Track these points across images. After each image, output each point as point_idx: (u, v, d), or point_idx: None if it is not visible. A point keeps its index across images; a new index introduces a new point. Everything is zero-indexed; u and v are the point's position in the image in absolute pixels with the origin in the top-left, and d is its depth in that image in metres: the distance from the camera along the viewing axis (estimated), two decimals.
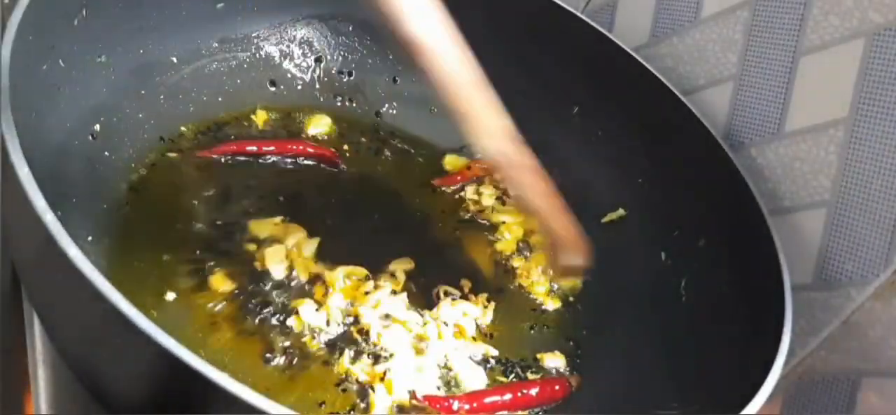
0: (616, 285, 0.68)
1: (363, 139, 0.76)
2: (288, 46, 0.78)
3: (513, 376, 0.59)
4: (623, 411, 0.58)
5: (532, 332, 0.64)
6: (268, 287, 0.58)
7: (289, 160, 0.70)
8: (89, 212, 0.57)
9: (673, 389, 0.58)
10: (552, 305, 0.67)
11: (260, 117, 0.73)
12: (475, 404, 0.55)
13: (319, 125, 0.76)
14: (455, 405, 0.55)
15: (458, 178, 0.75)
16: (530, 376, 0.60)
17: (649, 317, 0.65)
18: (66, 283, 0.39)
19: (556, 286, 0.68)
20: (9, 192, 0.42)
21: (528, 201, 0.57)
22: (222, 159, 0.67)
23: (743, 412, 0.46)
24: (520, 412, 0.57)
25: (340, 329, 0.57)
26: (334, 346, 0.56)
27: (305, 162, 0.71)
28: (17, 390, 0.52)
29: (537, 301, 0.67)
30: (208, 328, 0.54)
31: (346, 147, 0.75)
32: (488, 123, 0.53)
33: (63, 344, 0.46)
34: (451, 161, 0.77)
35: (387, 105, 0.80)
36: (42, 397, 0.51)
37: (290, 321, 0.56)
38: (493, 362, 0.60)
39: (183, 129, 0.68)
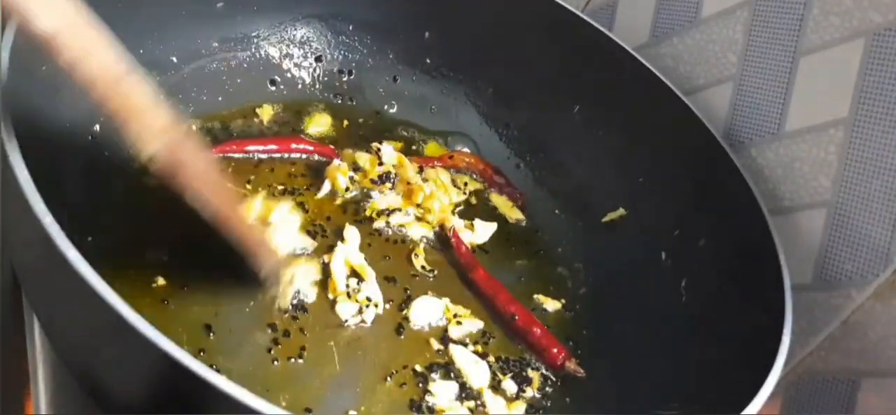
0: (616, 285, 0.68)
1: (363, 138, 0.76)
2: (288, 46, 0.78)
3: (510, 375, 0.59)
4: (623, 411, 0.58)
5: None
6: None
7: (289, 157, 0.71)
8: (89, 213, 0.57)
9: (673, 389, 0.58)
10: (552, 305, 0.67)
11: (265, 112, 0.74)
12: None
13: (320, 124, 0.76)
14: None
15: (435, 161, 0.76)
16: (530, 372, 0.60)
17: (649, 317, 0.65)
18: (65, 284, 0.39)
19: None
20: (8, 194, 0.42)
21: (211, 208, 0.49)
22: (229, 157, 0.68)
23: (743, 412, 0.46)
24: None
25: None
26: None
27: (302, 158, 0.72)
28: (17, 391, 0.52)
29: (537, 300, 0.67)
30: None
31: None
32: (150, 121, 0.46)
33: (62, 345, 0.46)
34: (431, 148, 0.78)
35: (387, 104, 0.80)
36: (42, 398, 0.51)
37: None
38: (491, 359, 0.60)
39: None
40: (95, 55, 0.43)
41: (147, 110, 0.46)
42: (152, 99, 0.46)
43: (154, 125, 0.46)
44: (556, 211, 0.75)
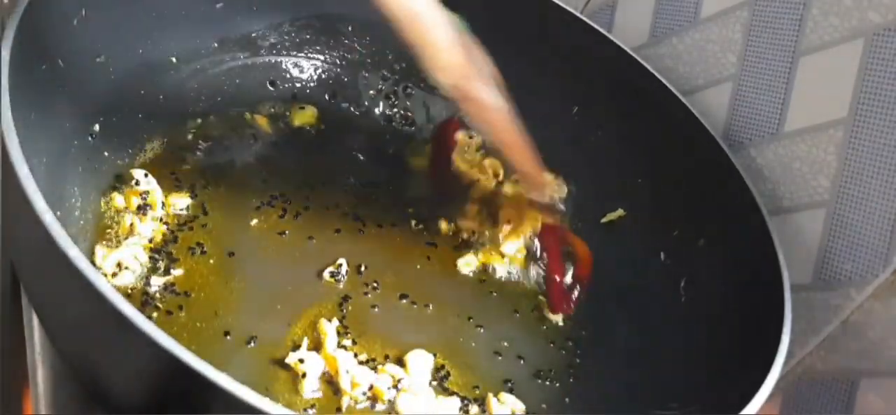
0: (616, 285, 0.68)
1: (363, 138, 0.76)
2: (287, 46, 0.78)
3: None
4: (623, 411, 0.58)
5: (528, 329, 0.64)
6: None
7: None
8: (89, 212, 0.57)
9: (673, 389, 0.58)
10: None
11: (261, 122, 0.74)
12: None
13: (304, 118, 0.75)
14: None
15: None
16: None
17: (649, 317, 0.65)
18: (66, 283, 0.39)
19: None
20: (9, 192, 0.42)
21: (491, 139, 0.57)
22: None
23: (742, 412, 0.46)
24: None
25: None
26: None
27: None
28: (17, 390, 0.52)
29: (537, 300, 0.67)
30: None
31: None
32: (443, 54, 0.52)
33: (63, 344, 0.46)
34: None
35: (387, 105, 0.80)
36: (41, 397, 0.51)
37: None
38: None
39: (182, 128, 0.68)
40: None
41: (442, 46, 0.51)
42: (449, 36, 0.51)
43: (448, 61, 0.52)
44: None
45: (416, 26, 0.50)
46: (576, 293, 0.67)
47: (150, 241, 0.58)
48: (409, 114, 0.80)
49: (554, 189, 0.62)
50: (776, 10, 0.65)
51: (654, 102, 0.71)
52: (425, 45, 0.51)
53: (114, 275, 0.55)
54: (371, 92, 0.80)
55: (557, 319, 0.66)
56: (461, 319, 0.63)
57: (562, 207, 0.65)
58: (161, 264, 0.57)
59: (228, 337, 0.54)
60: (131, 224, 0.58)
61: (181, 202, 0.62)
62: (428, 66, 0.51)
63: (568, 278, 0.68)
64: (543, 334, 0.64)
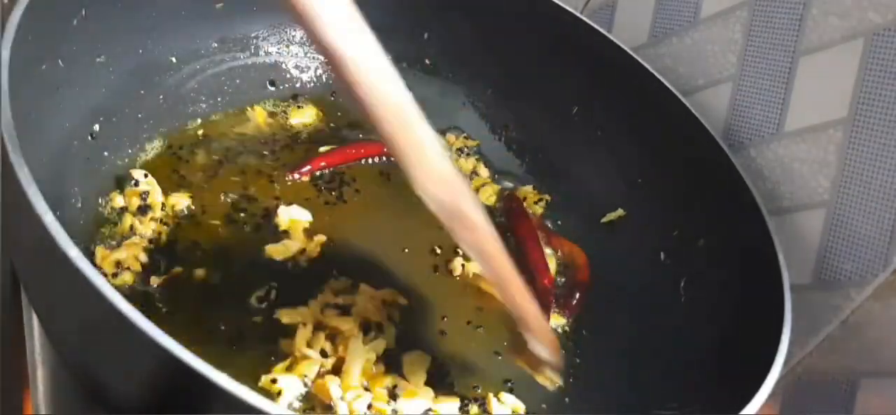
0: (616, 285, 0.68)
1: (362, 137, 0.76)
2: (287, 47, 0.78)
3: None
4: (623, 412, 0.58)
5: None
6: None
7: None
8: (89, 212, 0.57)
9: (673, 389, 0.58)
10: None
11: (259, 115, 0.73)
12: None
13: (303, 116, 0.75)
14: None
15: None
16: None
17: (649, 317, 0.65)
18: (66, 283, 0.39)
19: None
20: (9, 192, 0.42)
21: (482, 266, 0.48)
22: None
23: (742, 412, 0.46)
24: None
25: None
26: None
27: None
28: (17, 390, 0.52)
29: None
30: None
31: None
32: (430, 165, 0.44)
33: (63, 344, 0.46)
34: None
35: None
36: (41, 397, 0.51)
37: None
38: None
39: (182, 129, 0.68)
40: (379, 76, 0.43)
41: (435, 158, 0.44)
42: (440, 148, 0.44)
43: (441, 173, 0.44)
44: (556, 211, 0.75)
45: (407, 135, 0.43)
46: (576, 298, 0.67)
47: (150, 241, 0.58)
48: None
49: (549, 346, 0.54)
50: (776, 10, 0.65)
51: (654, 102, 0.71)
52: (416, 154, 0.43)
53: (114, 275, 0.55)
54: None
55: (557, 319, 0.66)
56: (461, 319, 0.63)
57: (557, 371, 0.57)
58: (161, 264, 0.57)
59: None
60: (131, 224, 0.58)
61: (181, 202, 0.62)
62: (418, 176, 0.43)
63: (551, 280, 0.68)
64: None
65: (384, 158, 0.73)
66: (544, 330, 0.54)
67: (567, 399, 0.60)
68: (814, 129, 0.63)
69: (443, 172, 0.44)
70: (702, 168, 0.67)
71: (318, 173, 0.70)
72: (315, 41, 0.40)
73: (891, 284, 0.58)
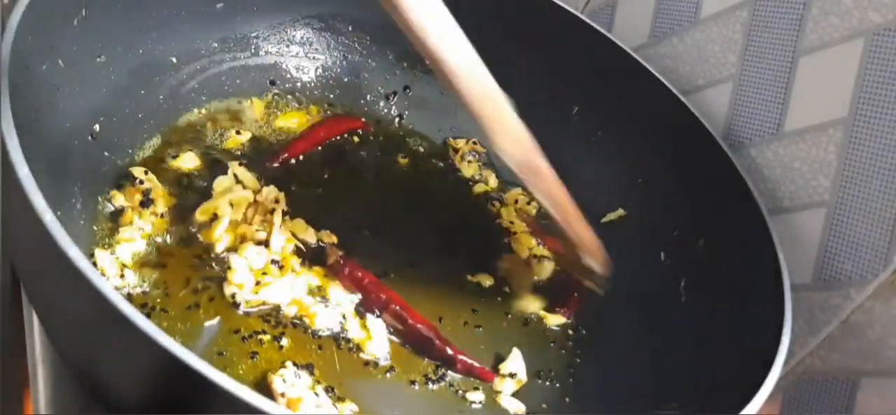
0: (616, 285, 0.68)
1: (362, 137, 0.77)
2: (287, 46, 0.78)
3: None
4: (623, 411, 0.58)
5: (527, 327, 0.64)
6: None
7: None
8: (89, 212, 0.57)
9: (673, 389, 0.58)
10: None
11: (257, 108, 0.73)
12: None
13: (290, 120, 0.75)
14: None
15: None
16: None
17: (649, 317, 0.65)
18: (66, 283, 0.39)
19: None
20: (9, 192, 0.42)
21: (549, 207, 0.59)
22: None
23: (743, 412, 0.46)
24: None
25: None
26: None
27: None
28: (17, 390, 0.52)
29: (536, 301, 0.67)
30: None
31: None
32: (508, 129, 0.55)
33: (63, 344, 0.46)
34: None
35: (386, 105, 0.80)
36: (42, 397, 0.51)
37: None
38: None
39: (183, 129, 0.68)
40: (468, 66, 0.53)
41: (512, 123, 0.55)
42: (513, 113, 0.55)
43: (511, 132, 0.55)
44: None
45: (488, 104, 0.53)
46: (574, 297, 0.67)
47: (151, 239, 0.58)
48: (410, 113, 0.80)
49: (600, 262, 0.64)
50: (776, 10, 0.65)
51: (655, 102, 0.71)
52: (497, 122, 0.54)
53: (114, 275, 0.55)
54: (372, 92, 0.80)
55: (558, 319, 0.66)
56: (460, 320, 0.63)
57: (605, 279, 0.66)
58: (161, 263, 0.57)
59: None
60: (131, 222, 0.58)
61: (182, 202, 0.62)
62: (498, 141, 0.54)
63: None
64: (543, 335, 0.64)
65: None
66: (597, 248, 0.64)
67: (567, 399, 0.60)
68: (814, 129, 0.63)
69: (519, 134, 0.56)
70: (702, 168, 0.67)
71: (295, 159, 0.71)
72: (420, 47, 0.51)
73: (891, 283, 0.58)
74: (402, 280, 0.63)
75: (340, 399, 0.53)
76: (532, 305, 0.66)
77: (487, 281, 0.66)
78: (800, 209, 0.64)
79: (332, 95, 0.78)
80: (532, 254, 0.70)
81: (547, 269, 0.69)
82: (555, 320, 0.65)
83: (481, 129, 0.54)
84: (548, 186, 0.59)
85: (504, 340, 0.62)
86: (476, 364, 0.58)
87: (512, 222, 0.73)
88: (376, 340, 0.57)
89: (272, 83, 0.76)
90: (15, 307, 0.54)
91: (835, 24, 0.61)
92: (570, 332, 0.65)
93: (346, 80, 0.80)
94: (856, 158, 0.60)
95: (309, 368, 0.53)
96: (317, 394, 0.51)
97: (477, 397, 0.57)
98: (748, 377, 0.49)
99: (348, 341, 0.57)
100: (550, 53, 0.76)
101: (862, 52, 0.59)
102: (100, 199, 0.59)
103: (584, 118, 0.76)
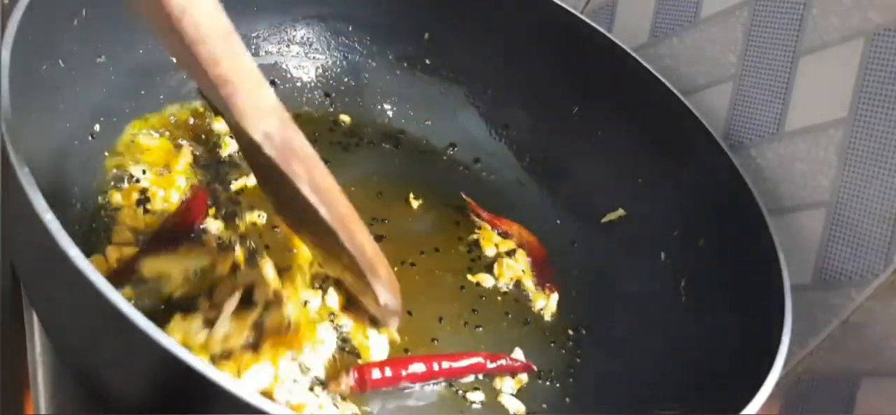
0: (616, 285, 0.68)
1: (362, 138, 0.76)
2: (288, 47, 0.78)
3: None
4: (623, 412, 0.58)
5: (527, 327, 0.64)
6: None
7: None
8: (89, 212, 0.57)
9: (673, 389, 0.58)
10: (551, 306, 0.67)
11: None
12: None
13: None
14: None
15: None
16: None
17: (649, 317, 0.65)
18: (66, 283, 0.39)
19: None
20: (9, 192, 0.42)
21: (320, 207, 0.43)
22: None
23: (743, 412, 0.46)
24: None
25: None
26: None
27: None
28: (17, 390, 0.52)
29: (536, 300, 0.67)
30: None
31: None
32: (254, 92, 0.40)
33: (63, 344, 0.46)
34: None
35: (386, 105, 0.80)
36: (42, 397, 0.51)
37: None
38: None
39: (182, 129, 0.68)
40: (214, 19, 0.38)
41: (257, 81, 0.40)
42: (255, 68, 0.40)
43: (266, 100, 0.40)
44: (556, 211, 0.75)
45: (217, 53, 0.38)
46: (548, 273, 0.68)
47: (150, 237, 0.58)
48: (410, 113, 0.80)
49: (397, 296, 0.50)
50: (776, 10, 0.65)
51: (655, 102, 0.71)
52: (243, 85, 0.39)
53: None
54: (372, 92, 0.80)
55: (558, 319, 0.66)
56: (460, 320, 0.63)
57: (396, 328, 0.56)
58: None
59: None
60: (131, 223, 0.58)
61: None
62: (244, 110, 0.39)
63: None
64: (543, 334, 0.64)
65: None
66: (390, 274, 0.50)
67: (567, 399, 0.60)
68: (814, 129, 0.63)
69: (273, 104, 0.41)
70: (702, 168, 0.67)
71: None
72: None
73: (891, 283, 0.58)
74: (402, 280, 0.63)
75: (340, 399, 0.53)
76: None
77: (487, 281, 0.66)
78: (800, 209, 0.64)
79: (332, 95, 0.79)
80: (499, 253, 0.69)
81: (521, 259, 0.69)
82: (554, 319, 0.65)
83: (224, 100, 0.39)
84: (313, 175, 0.43)
85: (504, 340, 0.62)
86: (515, 364, 0.59)
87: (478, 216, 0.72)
88: (375, 347, 0.56)
89: (272, 83, 0.76)
90: (15, 307, 0.54)
91: (835, 24, 0.61)
92: (570, 332, 0.65)
93: (346, 80, 0.80)
94: (856, 158, 0.60)
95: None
96: (317, 395, 0.51)
97: (477, 396, 0.57)
98: (748, 377, 0.49)
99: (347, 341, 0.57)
100: (550, 54, 0.76)
101: (862, 52, 0.59)
102: (100, 199, 0.59)
103: (584, 118, 0.76)
